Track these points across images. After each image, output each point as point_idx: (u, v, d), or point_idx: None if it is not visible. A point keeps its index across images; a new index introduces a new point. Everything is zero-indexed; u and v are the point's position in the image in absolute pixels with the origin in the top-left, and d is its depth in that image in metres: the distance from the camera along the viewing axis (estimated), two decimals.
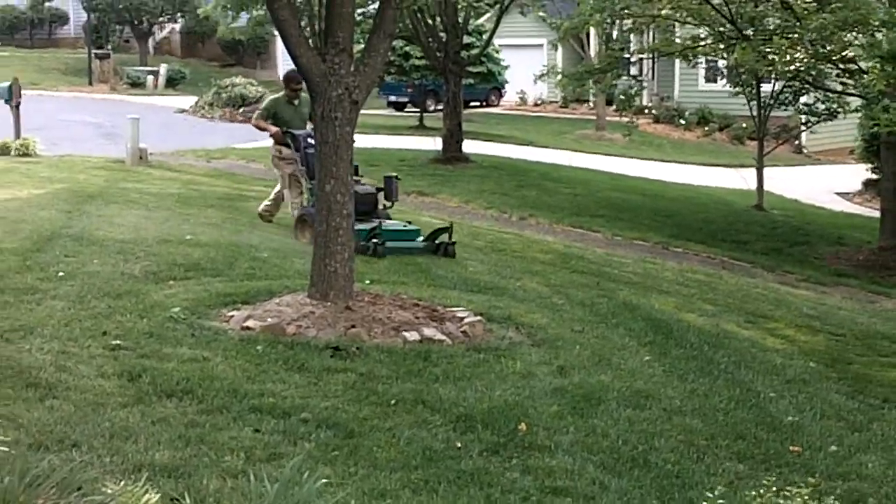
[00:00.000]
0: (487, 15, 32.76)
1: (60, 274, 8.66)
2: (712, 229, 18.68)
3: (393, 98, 36.96)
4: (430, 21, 24.03)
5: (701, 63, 25.28)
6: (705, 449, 6.01)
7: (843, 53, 15.47)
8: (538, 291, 10.28)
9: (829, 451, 6.21)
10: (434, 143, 24.76)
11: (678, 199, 21.81)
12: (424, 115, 32.09)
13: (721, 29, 18.22)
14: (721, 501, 4.38)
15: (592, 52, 32.34)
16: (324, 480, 4.45)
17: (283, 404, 5.90)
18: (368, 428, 5.71)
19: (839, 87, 18.25)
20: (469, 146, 24.32)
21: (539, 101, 40.39)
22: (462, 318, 8.07)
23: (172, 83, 42.24)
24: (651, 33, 24.66)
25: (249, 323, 7.51)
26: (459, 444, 5.60)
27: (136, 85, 41.30)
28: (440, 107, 27.95)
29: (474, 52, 27.03)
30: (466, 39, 25.86)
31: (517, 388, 6.66)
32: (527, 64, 33.56)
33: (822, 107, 21.33)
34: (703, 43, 19.37)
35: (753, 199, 21.61)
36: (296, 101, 12.60)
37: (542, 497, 5.09)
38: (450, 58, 23.55)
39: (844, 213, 22.46)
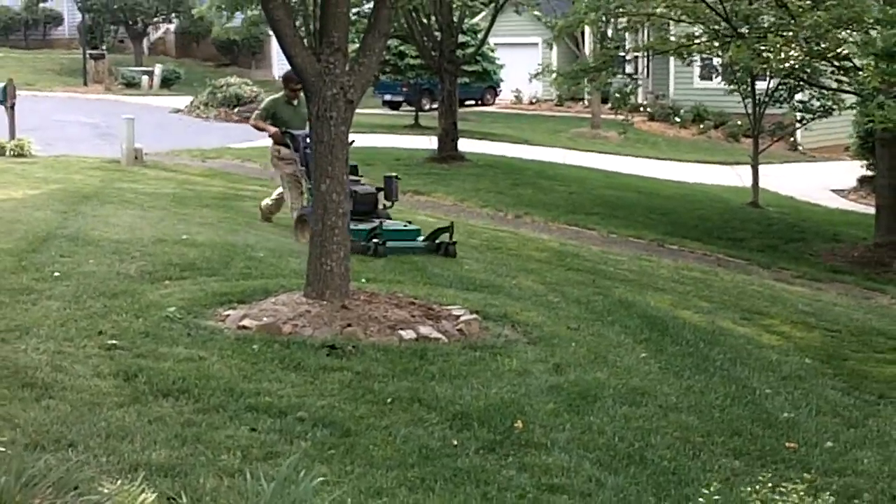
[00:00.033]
0: (482, 14, 32.80)
1: (56, 274, 8.66)
2: (708, 227, 18.69)
3: (388, 97, 36.96)
4: (425, 20, 24.03)
5: (696, 61, 25.33)
6: (701, 445, 6.02)
7: (838, 51, 15.47)
8: (534, 289, 10.29)
9: (824, 448, 6.23)
10: (429, 142, 24.76)
11: (673, 197, 21.83)
12: (420, 114, 32.08)
13: (716, 27, 18.24)
14: (717, 498, 4.38)
15: (587, 51, 32.31)
16: (320, 479, 4.46)
17: (279, 403, 5.91)
18: (365, 426, 5.72)
19: (834, 85, 18.26)
20: (464, 145, 24.32)
21: (534, 100, 40.39)
22: (458, 317, 8.07)
23: (167, 83, 42.19)
24: (646, 31, 24.64)
25: (245, 322, 7.51)
26: (456, 442, 5.61)
27: (131, 85, 41.24)
28: (435, 106, 27.96)
29: (469, 50, 27.03)
30: (461, 38, 25.84)
31: (513, 385, 6.67)
32: (522, 62, 33.55)
33: (817, 104, 21.36)
34: (697, 41, 19.40)
35: (749, 197, 21.62)
36: (295, 102, 12.59)
37: (538, 494, 5.10)
38: (445, 57, 23.54)
39: (840, 209, 22.49)
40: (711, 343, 8.73)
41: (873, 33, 14.77)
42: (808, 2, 15.77)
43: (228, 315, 7.74)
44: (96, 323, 7.25)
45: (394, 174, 12.64)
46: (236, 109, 31.67)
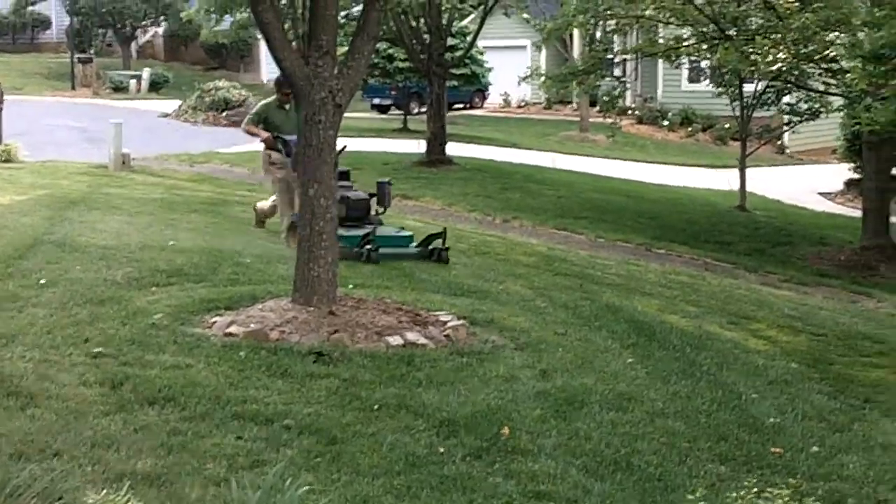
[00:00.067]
0: (471, 16, 32.85)
1: (42, 281, 8.63)
2: (695, 230, 18.73)
3: (377, 101, 36.94)
4: (413, 23, 24.03)
5: (684, 64, 25.37)
6: (687, 451, 6.03)
7: (826, 53, 15.53)
8: (521, 294, 10.30)
9: (810, 452, 6.24)
10: (418, 146, 24.76)
11: (661, 201, 21.87)
12: (408, 117, 32.10)
13: (704, 29, 18.28)
14: (702, 503, 4.41)
15: (576, 54, 32.39)
16: (306, 487, 4.46)
17: (265, 411, 5.90)
18: (351, 434, 5.71)
19: (821, 87, 18.33)
20: (453, 148, 24.33)
21: (523, 103, 40.45)
22: (445, 322, 8.07)
23: (156, 87, 42.14)
24: (634, 34, 24.71)
25: (232, 329, 7.50)
26: (442, 449, 5.61)
27: (120, 89, 41.17)
28: (424, 109, 27.97)
29: (458, 53, 27.05)
30: (450, 41, 25.87)
31: (500, 391, 6.67)
32: (510, 65, 33.59)
33: (805, 106, 21.43)
34: (686, 43, 19.42)
35: (736, 200, 21.66)
36: (287, 106, 12.52)
37: (524, 501, 5.10)
38: (433, 60, 23.54)
39: (826, 213, 22.56)
40: (698, 348, 8.74)
41: (861, 35, 14.82)
42: (795, 4, 15.84)
43: (215, 322, 7.73)
44: (82, 330, 7.24)
45: (387, 179, 12.53)
46: (224, 113, 31.65)
